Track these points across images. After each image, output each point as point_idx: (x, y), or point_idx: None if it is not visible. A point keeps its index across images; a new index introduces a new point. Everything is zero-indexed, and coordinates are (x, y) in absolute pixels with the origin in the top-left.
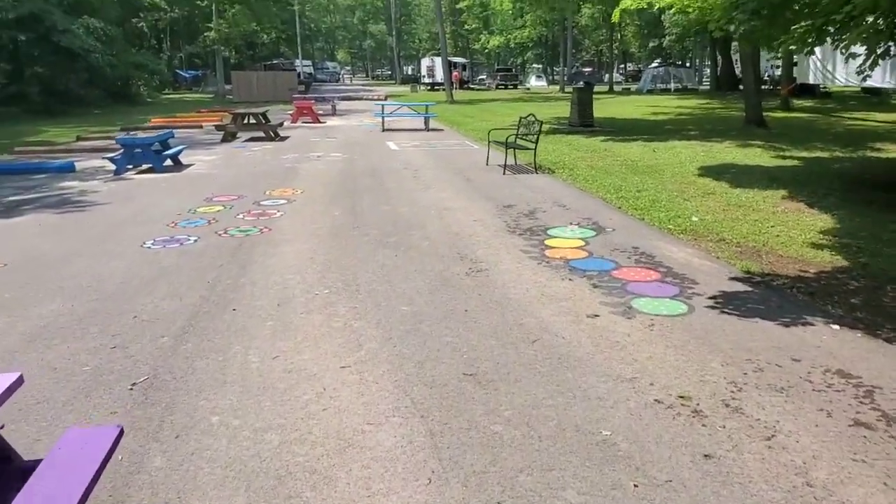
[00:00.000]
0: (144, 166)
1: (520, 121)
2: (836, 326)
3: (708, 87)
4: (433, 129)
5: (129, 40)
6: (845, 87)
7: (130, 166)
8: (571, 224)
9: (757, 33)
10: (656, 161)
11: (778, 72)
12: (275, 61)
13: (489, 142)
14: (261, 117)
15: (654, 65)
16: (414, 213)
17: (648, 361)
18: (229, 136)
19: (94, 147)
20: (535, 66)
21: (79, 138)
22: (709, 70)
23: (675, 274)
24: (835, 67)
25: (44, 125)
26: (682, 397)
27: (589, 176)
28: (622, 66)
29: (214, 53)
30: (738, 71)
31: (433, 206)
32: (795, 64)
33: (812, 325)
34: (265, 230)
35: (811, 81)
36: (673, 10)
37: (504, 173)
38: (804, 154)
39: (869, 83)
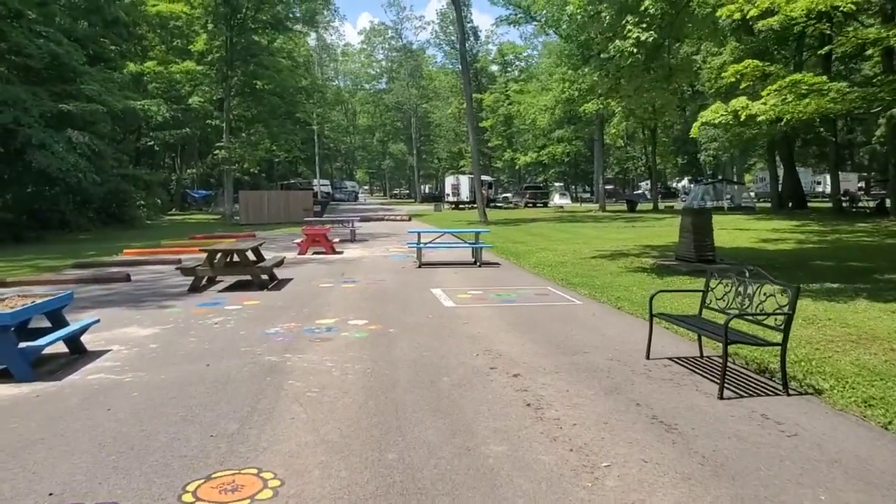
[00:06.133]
0: None
1: (710, 275)
2: None
3: (767, 205)
4: (487, 264)
5: (130, 157)
6: None
7: None
8: None
9: None
10: None
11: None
12: (292, 181)
13: (651, 315)
14: (249, 255)
15: (684, 181)
16: None
17: None
18: (202, 283)
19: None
20: (556, 183)
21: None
22: (749, 185)
23: None
24: None
25: None
26: None
27: None
28: (645, 182)
29: (224, 173)
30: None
31: None
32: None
33: None
34: None
35: None
36: (762, 117)
37: (721, 395)
38: None
39: None
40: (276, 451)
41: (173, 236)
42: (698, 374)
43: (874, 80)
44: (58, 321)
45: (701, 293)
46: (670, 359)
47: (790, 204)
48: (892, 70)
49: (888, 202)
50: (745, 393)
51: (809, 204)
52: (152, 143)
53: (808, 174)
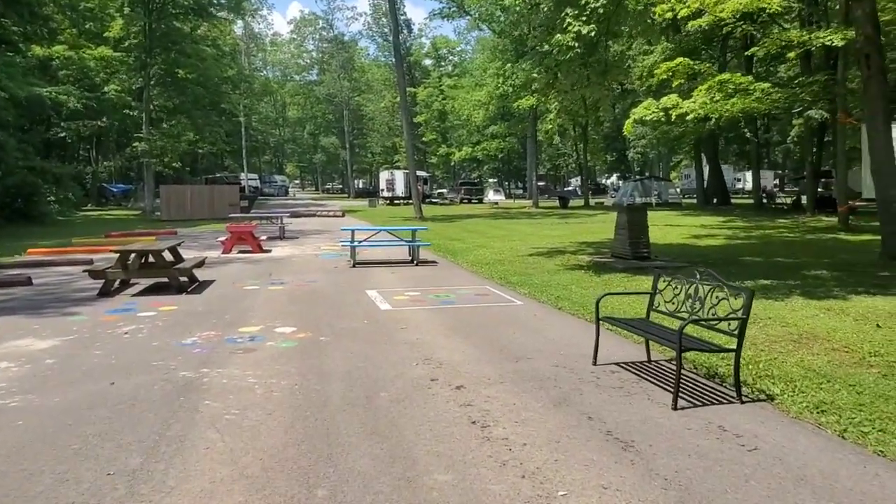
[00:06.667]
0: None
1: (658, 277)
2: None
3: (692, 201)
4: (424, 262)
5: (38, 149)
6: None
7: None
8: None
9: None
10: None
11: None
12: (218, 174)
13: (598, 319)
14: (166, 255)
15: (613, 178)
16: None
17: None
18: (114, 286)
19: None
20: (491, 180)
21: None
22: (676, 181)
23: None
24: None
25: None
26: None
27: (855, 408)
28: (575, 179)
29: (144, 166)
30: (728, 182)
31: None
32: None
33: None
34: None
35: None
36: (691, 115)
37: (675, 405)
38: None
39: None
40: (185, 491)
41: (87, 234)
42: (648, 380)
43: (795, 82)
44: None
45: (648, 295)
46: (617, 364)
47: (715, 200)
48: (811, 72)
49: (804, 199)
50: (699, 401)
51: (732, 200)
52: (64, 133)
53: (730, 171)
